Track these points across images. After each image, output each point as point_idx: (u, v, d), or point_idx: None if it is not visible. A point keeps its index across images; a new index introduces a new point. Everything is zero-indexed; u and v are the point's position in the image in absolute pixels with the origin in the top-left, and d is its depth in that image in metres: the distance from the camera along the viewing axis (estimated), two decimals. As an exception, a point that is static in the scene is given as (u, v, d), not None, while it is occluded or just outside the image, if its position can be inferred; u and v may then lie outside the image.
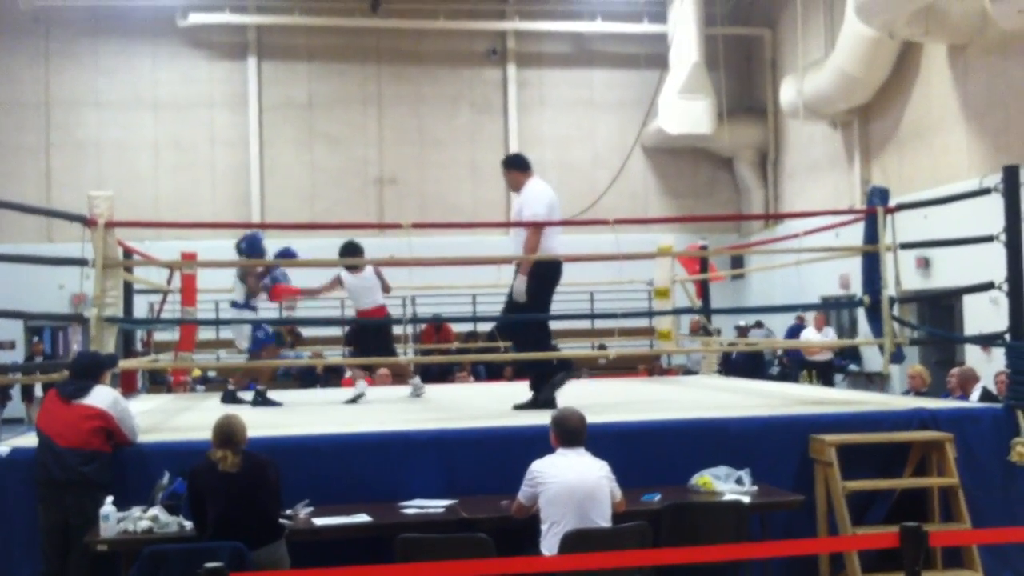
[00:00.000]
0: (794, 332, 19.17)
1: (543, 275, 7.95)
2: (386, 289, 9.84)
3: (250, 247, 9.31)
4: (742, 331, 19.13)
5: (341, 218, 21.34)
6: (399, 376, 10.98)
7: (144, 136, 22.60)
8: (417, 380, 9.90)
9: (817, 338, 16.66)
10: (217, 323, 14.78)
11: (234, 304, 9.40)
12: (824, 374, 17.25)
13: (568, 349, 17.57)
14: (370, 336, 9.68)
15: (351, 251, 9.51)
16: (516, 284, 7.89)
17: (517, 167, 8.21)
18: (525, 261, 7.85)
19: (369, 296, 9.78)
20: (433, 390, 10.00)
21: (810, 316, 18.28)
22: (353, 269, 9.74)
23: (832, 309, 20.63)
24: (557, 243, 8.07)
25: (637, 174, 24.23)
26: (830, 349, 17.27)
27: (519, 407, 7.88)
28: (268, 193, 22.82)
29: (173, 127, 22.69)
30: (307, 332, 19.35)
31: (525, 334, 8.26)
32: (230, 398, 9.22)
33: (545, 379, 8.01)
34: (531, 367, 8.34)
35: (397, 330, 15.39)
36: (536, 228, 7.84)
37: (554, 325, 18.96)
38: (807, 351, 16.98)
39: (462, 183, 23.12)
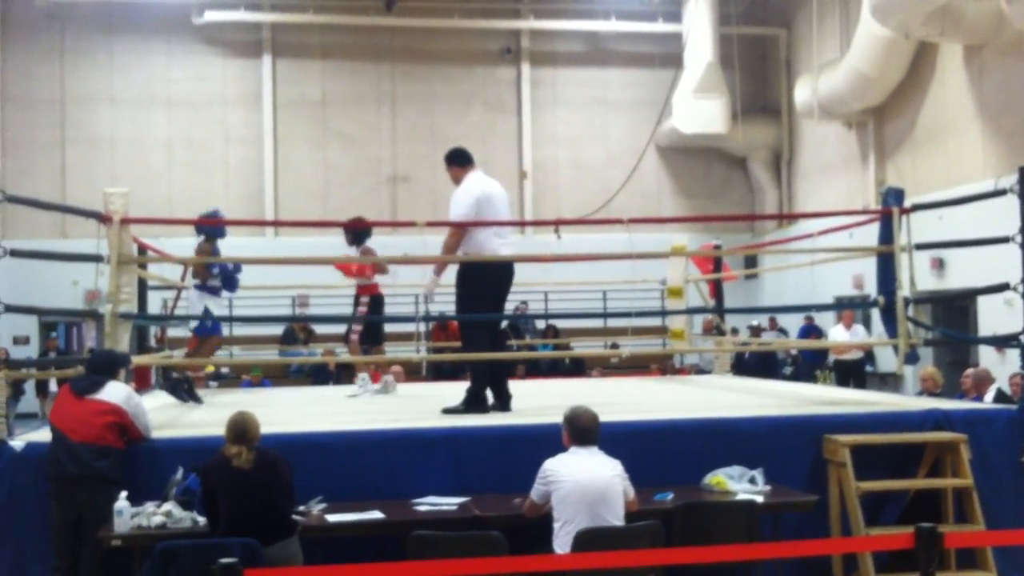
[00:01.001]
0: (805, 333, 19.13)
1: (476, 276, 7.67)
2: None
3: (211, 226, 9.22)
4: (755, 331, 19.10)
5: (354, 216, 21.28)
6: (413, 373, 10.96)
7: (158, 133, 22.67)
8: (364, 376, 9.93)
9: (845, 337, 15.76)
10: (231, 320, 14.77)
11: (197, 286, 9.17)
12: (855, 374, 16.49)
13: (581, 348, 17.59)
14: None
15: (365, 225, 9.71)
16: (427, 284, 7.89)
17: (455, 162, 8.07)
18: (440, 262, 7.79)
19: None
20: (446, 388, 9.99)
21: (828, 316, 18.20)
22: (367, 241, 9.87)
23: (845, 309, 20.56)
24: (497, 242, 7.77)
25: (650, 173, 24.19)
26: (859, 349, 16.35)
27: (448, 411, 7.62)
28: (281, 191, 22.87)
29: (187, 124, 22.76)
30: (320, 329, 19.39)
31: (469, 335, 7.99)
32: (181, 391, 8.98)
33: (484, 382, 7.75)
34: (474, 368, 7.96)
35: (410, 328, 15.44)
36: (455, 229, 7.66)
37: (567, 324, 19.11)
38: (836, 350, 16.28)
39: (475, 182, 23.08)
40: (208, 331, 9.02)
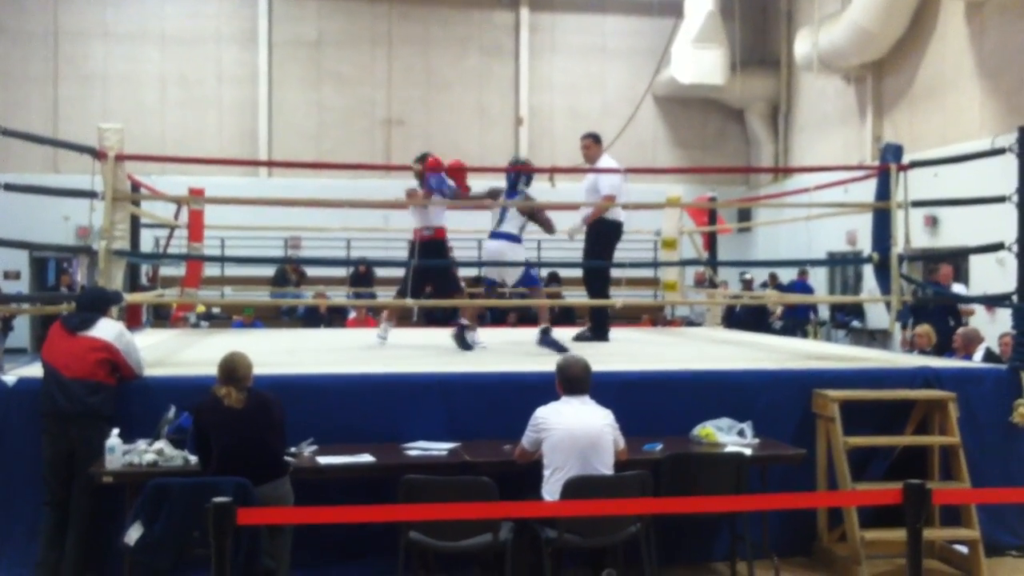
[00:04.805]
0: (793, 288, 19.11)
1: (605, 236, 9.25)
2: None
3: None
4: (747, 284, 19.10)
5: (347, 158, 21.21)
6: (404, 318, 10.83)
7: (151, 70, 22.41)
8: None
9: None
10: (222, 260, 14.79)
11: (512, 237, 8.61)
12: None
13: (573, 298, 17.60)
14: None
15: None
16: (572, 227, 9.58)
17: (599, 142, 9.76)
18: (592, 215, 9.26)
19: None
20: (437, 334, 10.00)
21: (819, 272, 18.08)
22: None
23: (839, 265, 20.60)
24: (618, 210, 9.30)
25: (647, 123, 24.07)
26: (965, 312, 12.91)
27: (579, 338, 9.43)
28: (275, 131, 22.69)
29: (180, 62, 22.50)
30: (311, 272, 19.37)
31: (597, 281, 9.48)
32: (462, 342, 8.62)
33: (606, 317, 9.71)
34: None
35: (402, 273, 15.44)
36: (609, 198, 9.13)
37: (560, 273, 19.08)
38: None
39: (469, 126, 22.96)
40: (535, 280, 8.95)
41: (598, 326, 9.68)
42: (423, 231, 8.99)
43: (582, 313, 17.63)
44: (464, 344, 8.60)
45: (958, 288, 12.93)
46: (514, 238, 8.59)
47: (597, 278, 9.49)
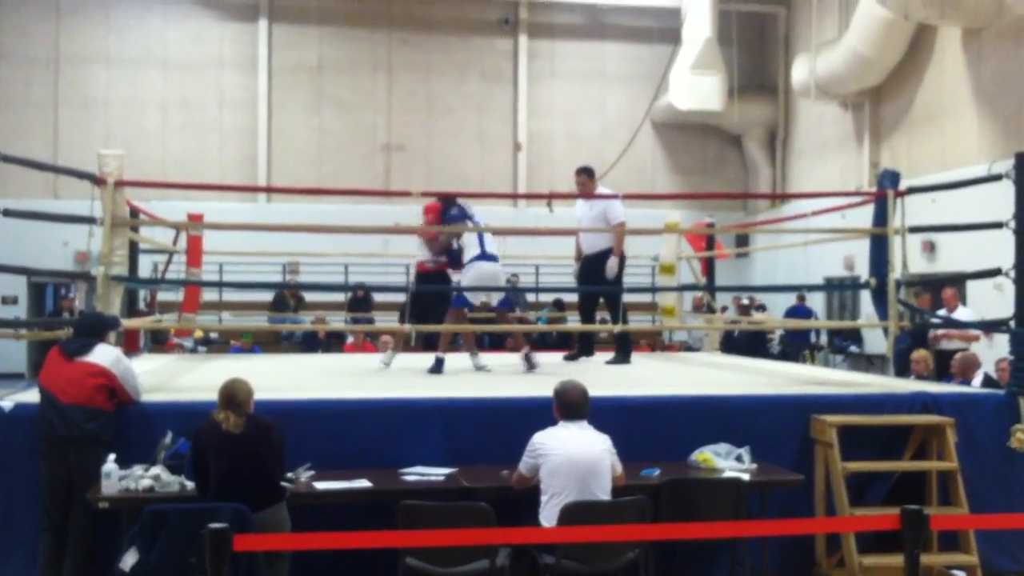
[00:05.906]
0: (792, 313, 19.14)
1: (622, 262, 9.53)
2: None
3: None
4: (743, 309, 19.12)
5: (347, 183, 21.26)
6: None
7: (153, 95, 22.48)
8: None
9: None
10: (221, 285, 14.81)
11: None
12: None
13: (572, 322, 17.63)
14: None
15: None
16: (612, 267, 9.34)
17: (592, 176, 9.47)
18: (619, 246, 9.35)
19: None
20: (432, 359, 9.99)
21: (817, 297, 18.04)
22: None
23: (836, 290, 20.62)
24: None
25: (645, 148, 24.14)
26: (963, 339, 12.43)
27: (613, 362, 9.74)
28: (275, 156, 22.74)
29: (182, 87, 22.57)
30: (309, 297, 19.37)
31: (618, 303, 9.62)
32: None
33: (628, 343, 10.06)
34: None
35: (400, 298, 15.45)
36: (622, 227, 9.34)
37: (555, 297, 19.09)
38: (935, 337, 12.58)
39: (470, 152, 23.03)
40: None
41: (623, 349, 9.94)
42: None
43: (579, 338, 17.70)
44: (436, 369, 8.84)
45: (963, 312, 12.95)
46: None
47: (615, 303, 9.63)
